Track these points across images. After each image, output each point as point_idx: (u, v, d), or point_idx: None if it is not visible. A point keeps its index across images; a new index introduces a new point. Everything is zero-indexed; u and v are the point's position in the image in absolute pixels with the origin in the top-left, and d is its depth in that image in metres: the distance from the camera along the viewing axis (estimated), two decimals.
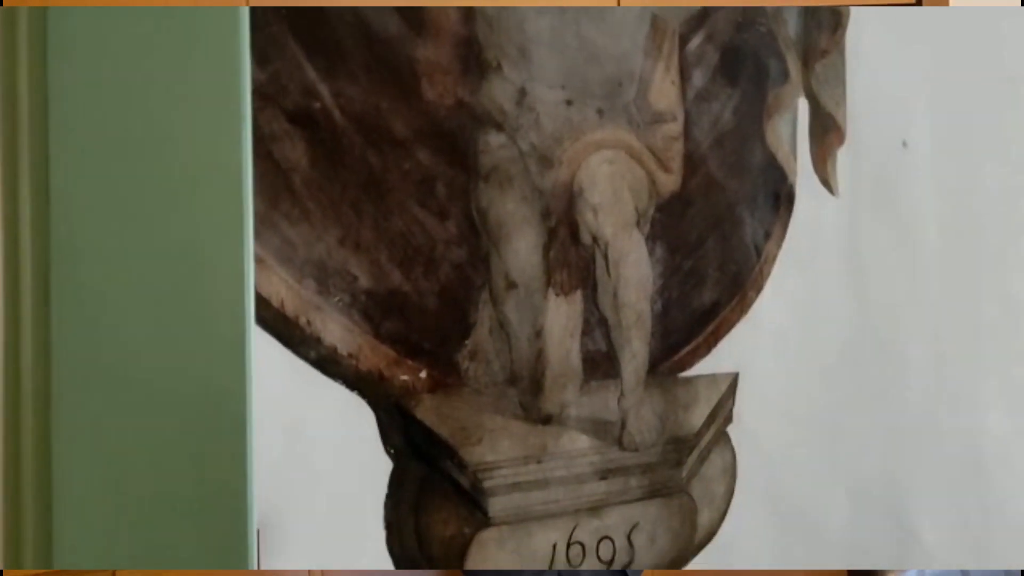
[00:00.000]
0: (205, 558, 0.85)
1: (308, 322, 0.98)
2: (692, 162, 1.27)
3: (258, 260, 0.94)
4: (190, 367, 0.85)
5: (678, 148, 1.26)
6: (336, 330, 1.00)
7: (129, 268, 0.88)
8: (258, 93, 0.93)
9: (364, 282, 1.02)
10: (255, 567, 0.87)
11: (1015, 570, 1.49)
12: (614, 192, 1.19)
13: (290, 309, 0.97)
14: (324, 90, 0.98)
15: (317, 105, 0.97)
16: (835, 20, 1.40)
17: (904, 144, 1.50)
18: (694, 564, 1.26)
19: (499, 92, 1.10)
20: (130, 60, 0.88)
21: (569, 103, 1.15)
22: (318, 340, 0.99)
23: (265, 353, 0.95)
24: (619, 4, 1.28)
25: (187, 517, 0.86)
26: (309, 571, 1.10)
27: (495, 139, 1.11)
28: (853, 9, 1.40)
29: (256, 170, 0.94)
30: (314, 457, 0.98)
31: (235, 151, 0.84)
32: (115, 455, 0.88)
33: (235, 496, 0.85)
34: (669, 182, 1.25)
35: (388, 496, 1.03)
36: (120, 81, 0.89)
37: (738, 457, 1.31)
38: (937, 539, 1.46)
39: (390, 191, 1.03)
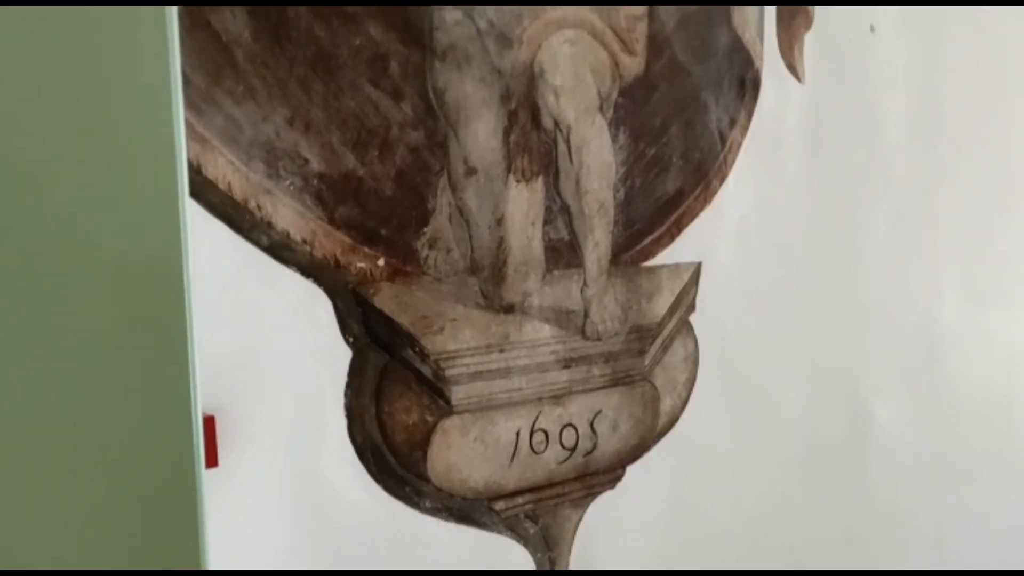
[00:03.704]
0: (148, 448, 0.83)
1: (258, 206, 0.94)
2: (656, 44, 1.23)
3: (201, 140, 0.90)
4: (123, 246, 0.81)
5: (642, 29, 1.21)
6: (288, 215, 0.96)
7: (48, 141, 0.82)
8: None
9: (316, 165, 0.97)
10: (201, 454, 0.85)
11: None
12: (576, 74, 1.15)
13: (238, 193, 0.93)
14: None
15: None
16: None
17: (872, 29, 1.47)
18: (656, 450, 1.28)
19: None
20: None
21: None
22: (269, 225, 0.95)
23: (214, 239, 0.92)
24: None
25: (125, 407, 0.83)
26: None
27: (451, 15, 1.05)
28: None
29: (194, 42, 0.88)
30: (270, 345, 0.96)
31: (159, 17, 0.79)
32: (36, 343, 0.84)
33: (178, 380, 0.82)
34: (633, 65, 1.21)
35: (348, 384, 1.02)
36: None
37: (700, 345, 1.32)
38: (890, 418, 1.50)
39: (340, 68, 0.97)
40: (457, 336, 1.09)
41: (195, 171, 0.89)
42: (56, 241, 0.85)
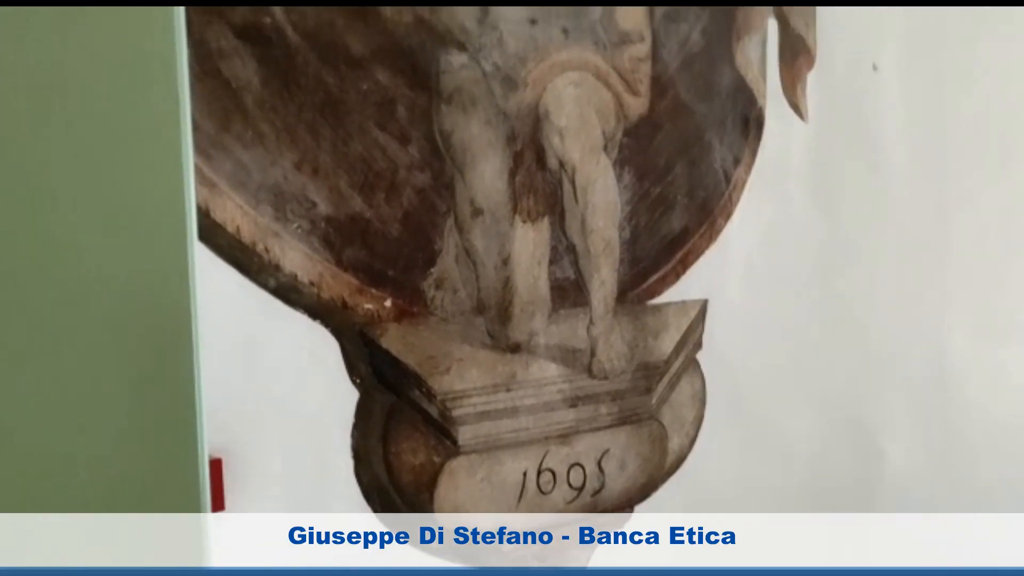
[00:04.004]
0: (154, 491, 0.82)
1: (266, 249, 0.95)
2: (660, 85, 1.24)
3: (210, 184, 0.91)
4: (131, 289, 0.81)
5: (646, 70, 1.22)
6: (296, 258, 0.97)
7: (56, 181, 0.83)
8: (203, 6, 0.88)
9: (323, 208, 0.98)
10: (207, 497, 0.85)
11: None
12: (581, 115, 1.16)
13: (247, 236, 0.94)
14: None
15: (267, 20, 0.93)
16: None
17: (874, 67, 1.48)
18: (664, 489, 1.27)
19: (460, 9, 1.05)
20: None
21: (533, 22, 1.11)
22: (277, 268, 0.96)
23: (222, 281, 0.92)
24: None
25: (131, 449, 0.83)
26: None
27: (457, 59, 1.07)
28: None
29: (204, 89, 0.90)
30: (277, 387, 0.96)
31: (170, 62, 0.80)
32: (40, 384, 0.84)
33: (184, 422, 0.82)
34: (637, 105, 1.22)
35: (355, 426, 1.02)
36: None
37: (708, 383, 1.31)
38: (901, 455, 1.49)
39: (348, 113, 0.99)
40: (464, 376, 1.09)
41: (204, 215, 0.91)
42: (63, 283, 0.86)
